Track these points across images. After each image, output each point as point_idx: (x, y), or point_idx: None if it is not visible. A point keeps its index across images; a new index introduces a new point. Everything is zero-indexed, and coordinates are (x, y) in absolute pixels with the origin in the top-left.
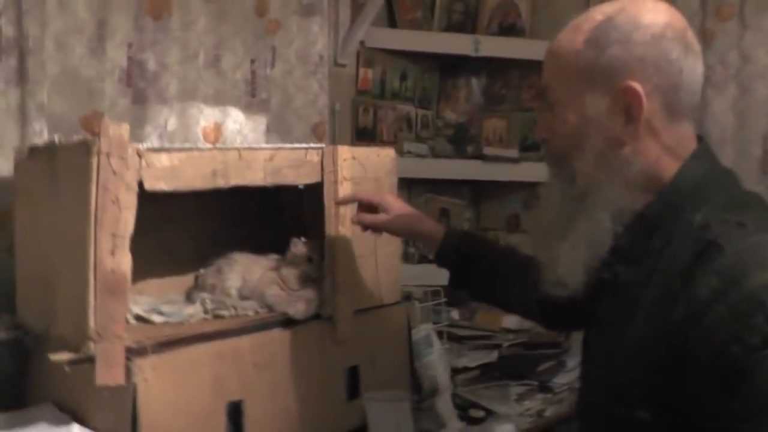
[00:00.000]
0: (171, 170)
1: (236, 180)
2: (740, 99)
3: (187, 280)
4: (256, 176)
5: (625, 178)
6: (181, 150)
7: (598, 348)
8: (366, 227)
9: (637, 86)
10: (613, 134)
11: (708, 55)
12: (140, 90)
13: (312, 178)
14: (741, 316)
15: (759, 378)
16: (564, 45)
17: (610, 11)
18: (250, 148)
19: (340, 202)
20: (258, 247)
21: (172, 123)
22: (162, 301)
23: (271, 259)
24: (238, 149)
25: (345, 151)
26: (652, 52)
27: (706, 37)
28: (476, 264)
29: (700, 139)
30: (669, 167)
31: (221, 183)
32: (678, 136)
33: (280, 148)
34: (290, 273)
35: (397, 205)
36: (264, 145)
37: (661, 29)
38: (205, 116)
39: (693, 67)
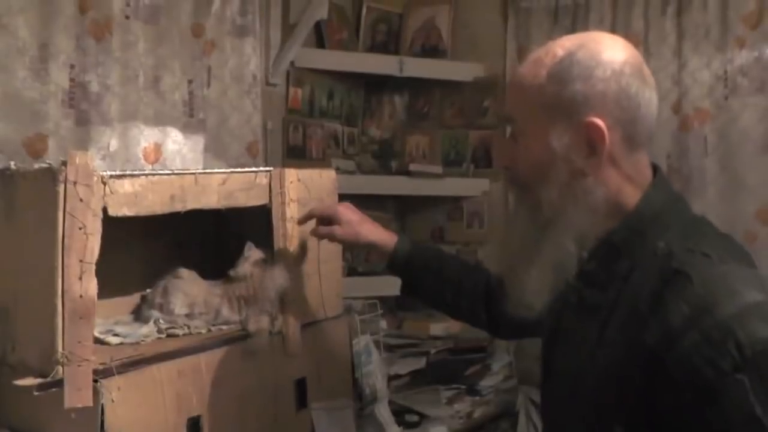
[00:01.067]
0: (133, 196)
1: (193, 204)
2: None
3: (133, 300)
4: (210, 200)
5: (589, 206)
6: (141, 176)
7: (566, 367)
8: (322, 237)
9: (599, 121)
10: (577, 166)
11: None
12: (83, 111)
13: (261, 200)
14: (714, 342)
15: (729, 399)
16: (527, 78)
17: (570, 47)
18: (205, 173)
19: (301, 222)
20: (204, 266)
21: (114, 144)
22: (113, 322)
23: (217, 281)
24: (194, 174)
25: (291, 174)
26: (612, 88)
27: None
28: (426, 273)
29: (655, 167)
30: (631, 195)
31: (179, 207)
32: (637, 166)
33: (232, 172)
34: (240, 290)
35: (348, 217)
36: (217, 170)
37: (620, 65)
38: (146, 137)
39: (649, 100)
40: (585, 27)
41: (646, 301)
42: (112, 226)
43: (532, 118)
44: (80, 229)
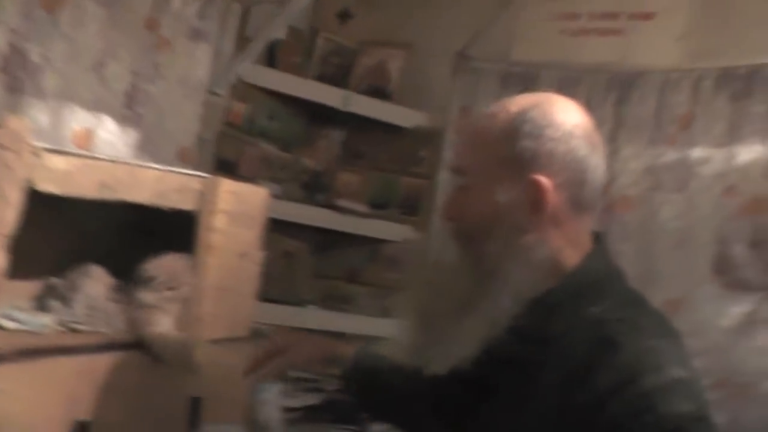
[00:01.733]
0: (64, 174)
1: (124, 195)
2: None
3: (34, 286)
4: (143, 195)
5: (528, 263)
6: (76, 155)
7: (494, 419)
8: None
9: (544, 180)
10: (520, 222)
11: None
12: (17, 79)
13: (191, 205)
14: (635, 413)
15: None
16: (481, 133)
17: (525, 105)
18: (142, 166)
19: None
20: (117, 263)
21: (44, 120)
22: (10, 307)
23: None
24: (131, 165)
25: (226, 184)
26: (561, 149)
27: None
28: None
29: (598, 235)
30: (570, 258)
31: (109, 196)
32: (579, 229)
33: (169, 170)
34: (145, 295)
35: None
36: (155, 166)
37: (571, 128)
38: (78, 120)
39: (596, 166)
40: None
41: (578, 364)
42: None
43: (482, 171)
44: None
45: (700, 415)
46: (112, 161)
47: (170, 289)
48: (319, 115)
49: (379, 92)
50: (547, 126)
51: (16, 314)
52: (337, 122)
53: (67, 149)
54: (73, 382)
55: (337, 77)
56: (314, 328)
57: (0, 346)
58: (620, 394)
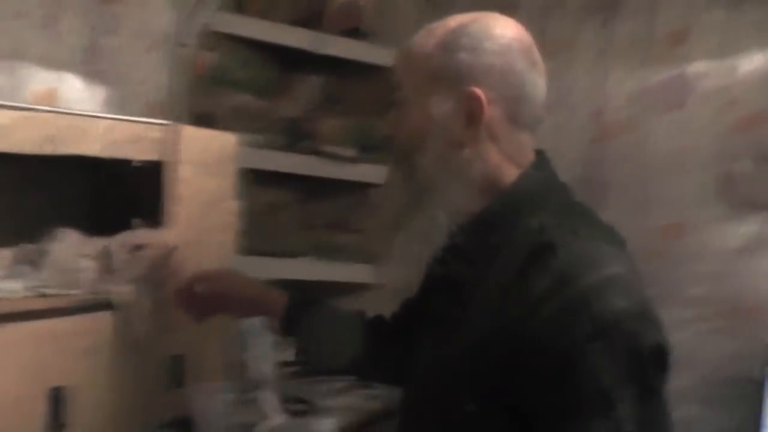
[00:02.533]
0: (1, 129)
1: (70, 149)
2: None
3: (4, 254)
4: (92, 147)
5: (464, 179)
6: (13, 108)
7: (431, 344)
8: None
9: (480, 92)
10: (455, 136)
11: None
12: None
13: (151, 156)
14: (570, 312)
15: (582, 369)
16: (416, 47)
17: (464, 20)
18: (88, 116)
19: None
20: (88, 225)
21: (0, 80)
22: None
23: (100, 239)
24: (75, 115)
25: (188, 131)
26: (498, 62)
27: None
28: (324, 332)
29: (540, 152)
30: (508, 174)
31: (52, 150)
32: (518, 146)
33: (121, 120)
34: (119, 254)
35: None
36: (104, 115)
37: (508, 41)
38: (37, 79)
39: (536, 82)
40: None
41: (512, 275)
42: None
43: (416, 85)
44: None
45: (637, 310)
46: (56, 112)
47: (138, 248)
48: (294, 60)
49: (354, 32)
50: (484, 39)
51: None
52: (314, 66)
53: (10, 104)
54: (43, 348)
55: (310, 19)
56: (306, 279)
57: None
58: (555, 296)
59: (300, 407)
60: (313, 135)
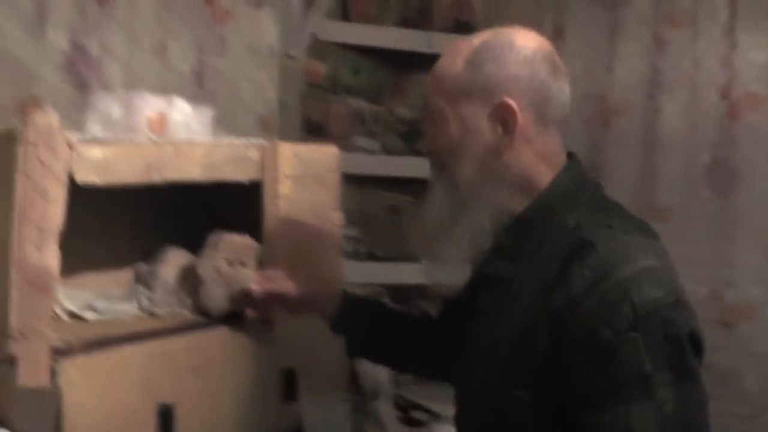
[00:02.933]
0: (104, 163)
1: (171, 175)
2: (690, 105)
3: (127, 275)
4: (192, 171)
5: (505, 183)
6: (114, 142)
7: (479, 337)
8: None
9: (511, 102)
10: (492, 145)
11: (660, 61)
12: (82, 76)
13: (251, 175)
14: (610, 304)
15: (623, 357)
16: (444, 68)
17: (486, 36)
18: (186, 142)
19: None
20: (199, 243)
21: (116, 111)
22: (98, 297)
23: (208, 256)
24: (174, 143)
25: (286, 148)
26: (523, 71)
27: (659, 43)
28: (372, 332)
29: (571, 154)
30: (544, 174)
31: (156, 178)
32: (549, 145)
33: (218, 144)
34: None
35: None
36: (201, 140)
37: (531, 52)
38: (150, 106)
39: (560, 86)
40: (628, 5)
41: (554, 270)
42: (102, 197)
43: (450, 102)
44: (40, 195)
45: (672, 299)
46: (154, 142)
47: (242, 264)
48: (405, 61)
49: (465, 27)
50: (508, 52)
51: (99, 305)
52: (425, 65)
53: (109, 137)
54: (151, 368)
55: (418, 19)
56: (426, 283)
57: (68, 338)
58: (595, 289)
59: (418, 414)
60: None
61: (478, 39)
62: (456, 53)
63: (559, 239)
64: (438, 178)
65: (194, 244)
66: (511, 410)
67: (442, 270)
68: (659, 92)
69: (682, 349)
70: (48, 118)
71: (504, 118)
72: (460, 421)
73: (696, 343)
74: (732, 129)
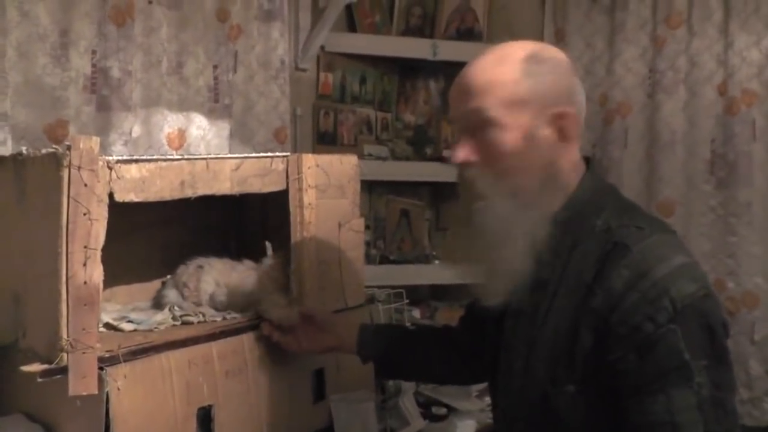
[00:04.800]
0: (140, 181)
1: (204, 190)
2: (689, 102)
3: (154, 286)
4: (223, 186)
5: (555, 189)
6: (149, 161)
7: (517, 338)
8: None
9: (570, 110)
10: (550, 152)
11: (659, 61)
12: (104, 97)
13: (277, 186)
14: (651, 300)
15: (664, 346)
16: (499, 75)
17: (530, 48)
18: (217, 158)
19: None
20: (223, 253)
21: (137, 130)
22: (130, 309)
23: (247, 265)
24: (205, 159)
25: (309, 159)
26: (567, 82)
27: (657, 44)
28: (398, 360)
29: (587, 158)
30: (573, 179)
31: (189, 193)
32: (576, 153)
33: (246, 158)
34: (267, 278)
35: (304, 329)
36: (230, 155)
37: (567, 64)
38: (169, 123)
39: (583, 96)
40: (625, 7)
41: (590, 271)
42: (128, 212)
43: (507, 111)
44: (85, 214)
45: (704, 293)
46: (187, 159)
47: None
48: (411, 69)
49: (468, 34)
50: (556, 63)
51: (134, 315)
52: (430, 72)
53: (142, 156)
54: (190, 373)
55: (422, 27)
56: (441, 283)
57: (112, 348)
58: (635, 288)
59: (439, 411)
60: (437, 140)
61: (522, 50)
62: (506, 62)
63: (591, 241)
64: (492, 188)
65: (221, 254)
66: (558, 405)
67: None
68: (658, 91)
69: (714, 336)
70: (89, 143)
71: (562, 126)
72: (504, 420)
73: (726, 331)
74: (730, 124)
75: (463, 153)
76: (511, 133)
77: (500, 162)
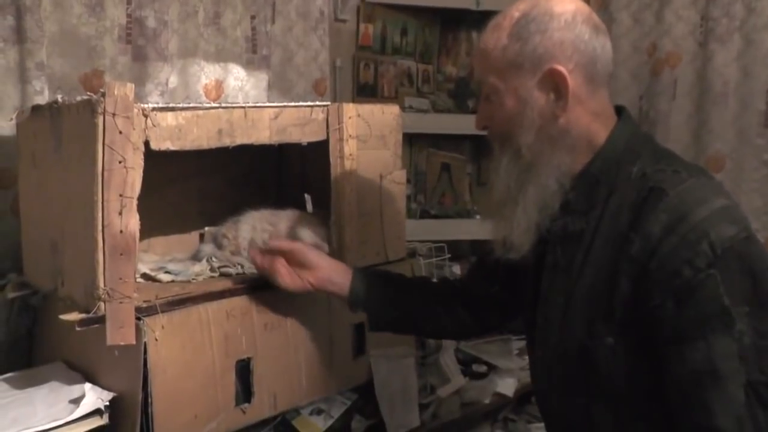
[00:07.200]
0: (177, 129)
1: (242, 139)
2: (744, 51)
3: (192, 238)
4: (261, 135)
5: (564, 145)
6: (186, 109)
7: (553, 291)
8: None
9: (560, 67)
10: (548, 111)
11: (712, 8)
12: (140, 47)
13: (317, 136)
14: (690, 244)
15: (704, 292)
16: (489, 44)
17: (524, 8)
18: (255, 107)
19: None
20: (262, 206)
21: (173, 80)
22: (168, 260)
23: (290, 213)
24: (243, 107)
25: (350, 109)
26: (567, 36)
27: None
28: (390, 309)
29: (620, 108)
30: (600, 131)
31: (227, 142)
32: (600, 102)
33: (285, 107)
34: (309, 228)
35: (316, 262)
36: (269, 104)
37: (571, 15)
38: (207, 73)
39: (603, 44)
40: None
41: (626, 218)
42: (166, 162)
43: (501, 76)
44: (120, 162)
45: (745, 235)
46: (224, 107)
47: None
48: (453, 20)
49: None
50: (549, 20)
51: (171, 266)
52: (472, 23)
53: (179, 104)
54: (227, 325)
55: None
56: (482, 239)
57: (150, 299)
58: (674, 232)
59: (480, 368)
60: (478, 92)
61: (517, 11)
62: (498, 28)
63: (627, 189)
64: (501, 150)
65: (261, 205)
66: (597, 357)
67: (503, 229)
68: (711, 40)
69: (757, 282)
70: (124, 89)
71: (555, 84)
72: (542, 374)
73: None
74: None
75: (478, 119)
76: (507, 98)
77: (503, 126)
